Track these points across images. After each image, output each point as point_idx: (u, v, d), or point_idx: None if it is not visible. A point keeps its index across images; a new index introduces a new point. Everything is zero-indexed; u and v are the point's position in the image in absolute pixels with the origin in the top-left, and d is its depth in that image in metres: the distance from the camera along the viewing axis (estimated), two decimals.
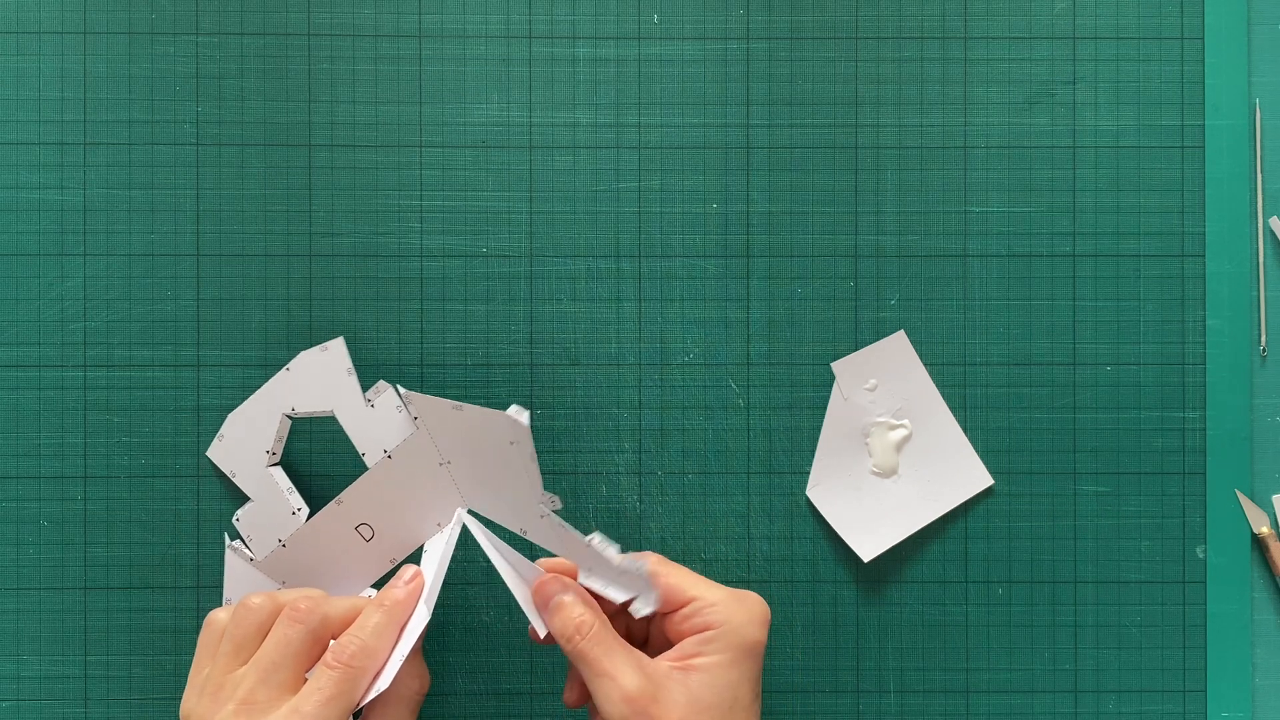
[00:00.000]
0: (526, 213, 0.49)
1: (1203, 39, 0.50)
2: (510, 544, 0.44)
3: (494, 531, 0.44)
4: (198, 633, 0.49)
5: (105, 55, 0.49)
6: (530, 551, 0.50)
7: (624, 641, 0.41)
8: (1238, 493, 0.49)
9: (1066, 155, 0.50)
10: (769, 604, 0.49)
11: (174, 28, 0.49)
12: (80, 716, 0.49)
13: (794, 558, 0.50)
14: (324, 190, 0.49)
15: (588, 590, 0.43)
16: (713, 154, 0.50)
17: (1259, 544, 0.50)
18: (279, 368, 0.47)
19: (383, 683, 0.40)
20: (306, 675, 0.41)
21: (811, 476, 0.49)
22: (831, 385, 0.49)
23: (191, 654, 0.49)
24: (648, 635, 0.45)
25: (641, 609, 0.42)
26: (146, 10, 0.49)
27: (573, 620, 0.41)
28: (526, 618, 0.43)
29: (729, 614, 0.41)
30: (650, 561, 0.43)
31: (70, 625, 0.49)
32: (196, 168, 0.49)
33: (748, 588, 0.49)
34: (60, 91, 0.49)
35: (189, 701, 0.41)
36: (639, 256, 0.50)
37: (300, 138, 0.49)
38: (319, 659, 0.41)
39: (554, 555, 0.44)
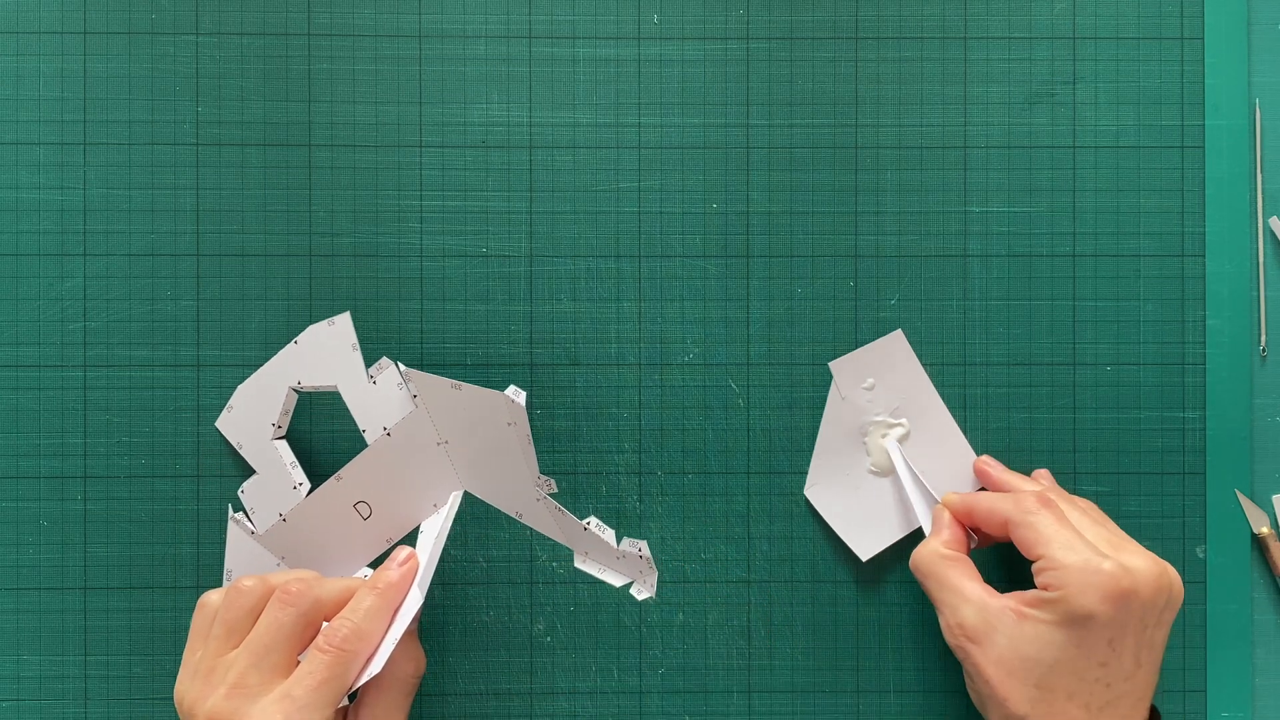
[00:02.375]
0: (526, 213, 0.49)
1: (1203, 39, 0.50)
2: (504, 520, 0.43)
3: (491, 515, 0.44)
4: None
5: (105, 55, 0.49)
6: (558, 572, 0.50)
7: (968, 578, 0.43)
8: (1238, 493, 0.49)
9: (1066, 155, 0.50)
10: (769, 604, 0.50)
11: (174, 28, 0.49)
12: (80, 716, 0.49)
13: (794, 558, 0.50)
14: (324, 190, 0.49)
15: (589, 572, 0.42)
16: (713, 154, 0.50)
17: (1259, 544, 0.50)
18: (233, 393, 0.48)
19: (375, 666, 0.40)
20: (299, 658, 0.41)
21: (809, 476, 0.49)
22: (830, 385, 0.49)
23: None
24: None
25: (641, 592, 0.42)
26: (146, 10, 0.49)
27: (927, 546, 0.45)
28: (526, 616, 0.42)
29: (1068, 580, 0.41)
30: (1036, 489, 0.45)
31: (70, 625, 0.49)
32: (196, 168, 0.49)
33: (748, 588, 0.49)
34: (60, 91, 0.49)
35: (182, 684, 0.41)
36: (639, 256, 0.50)
37: (300, 138, 0.49)
38: (311, 641, 0.41)
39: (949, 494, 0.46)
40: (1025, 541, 0.43)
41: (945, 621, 0.43)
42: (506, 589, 0.49)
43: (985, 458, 0.49)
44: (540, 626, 0.50)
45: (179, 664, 0.49)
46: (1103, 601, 0.41)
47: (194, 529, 0.49)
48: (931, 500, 0.47)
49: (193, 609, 0.49)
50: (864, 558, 0.49)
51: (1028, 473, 0.49)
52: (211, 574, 0.49)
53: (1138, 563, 0.42)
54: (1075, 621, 0.41)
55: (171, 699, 0.49)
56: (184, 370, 0.49)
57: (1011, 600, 0.42)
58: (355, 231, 0.49)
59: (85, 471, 0.49)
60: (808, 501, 0.49)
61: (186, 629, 0.49)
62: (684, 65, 0.50)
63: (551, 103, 0.49)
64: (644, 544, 0.42)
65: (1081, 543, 0.42)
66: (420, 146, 0.49)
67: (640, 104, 0.49)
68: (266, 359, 0.49)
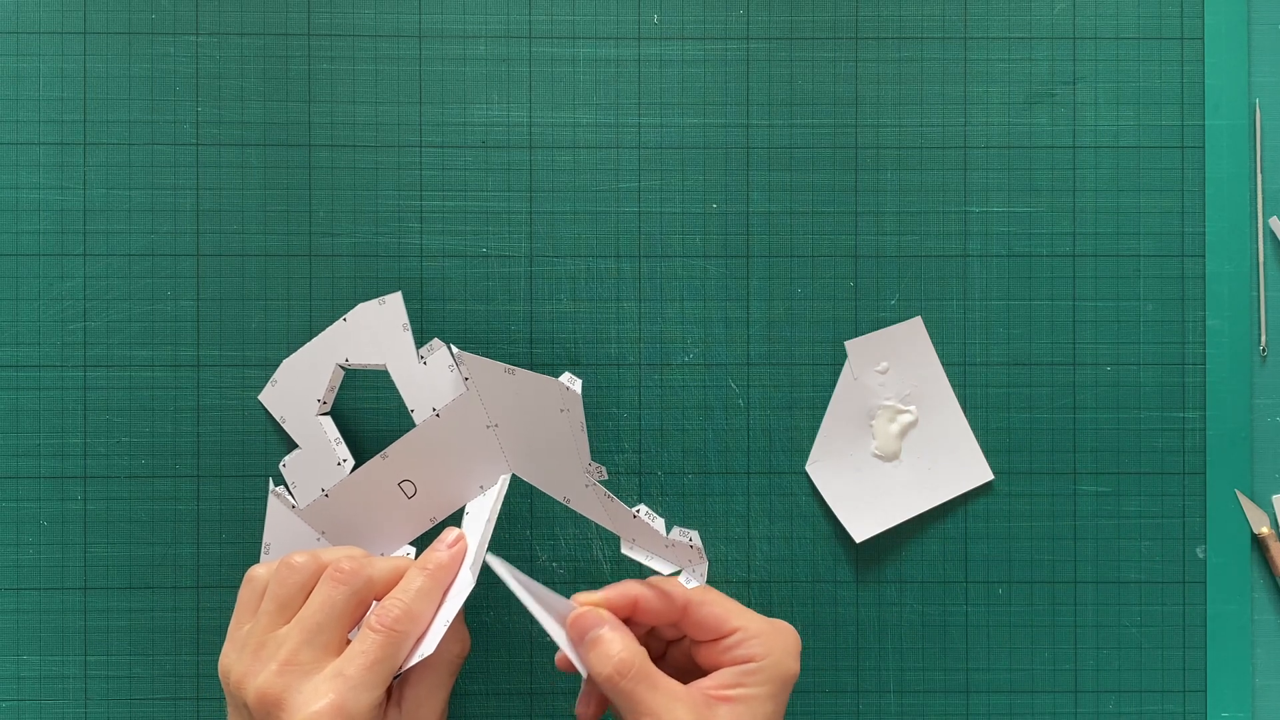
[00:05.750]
0: (526, 213, 0.49)
1: (1203, 39, 0.50)
2: (556, 521, 0.43)
3: (536, 500, 0.43)
4: (198, 633, 0.49)
5: (105, 55, 0.49)
6: (558, 572, 0.50)
7: (663, 674, 0.41)
8: (1238, 493, 0.49)
9: (1066, 155, 0.50)
10: (769, 604, 0.50)
11: (174, 28, 0.49)
12: (80, 716, 0.49)
13: (794, 558, 0.50)
14: (324, 190, 0.49)
15: (636, 559, 0.43)
16: (713, 154, 0.50)
17: (1259, 544, 0.50)
18: (277, 368, 0.48)
19: (427, 648, 0.40)
20: (349, 636, 0.41)
21: (812, 453, 0.49)
22: (831, 386, 0.49)
23: (192, 653, 0.49)
24: (665, 651, 0.45)
25: (690, 580, 0.42)
26: (146, 10, 0.49)
27: (612, 659, 0.40)
28: (526, 617, 0.42)
29: (770, 646, 0.41)
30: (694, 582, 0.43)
31: (70, 625, 0.49)
32: (196, 168, 0.49)
33: (748, 588, 0.50)
34: (60, 91, 0.49)
35: (228, 657, 0.41)
36: (639, 256, 0.50)
37: (300, 138, 0.49)
38: (360, 620, 0.41)
39: (578, 592, 0.43)
40: (713, 619, 0.42)
41: None
42: (506, 589, 0.49)
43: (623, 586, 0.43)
44: (540, 626, 0.49)
45: (179, 664, 0.49)
46: (798, 658, 0.42)
47: (194, 529, 0.49)
48: (563, 605, 0.42)
49: (193, 609, 0.49)
50: (858, 539, 0.49)
51: (1031, 470, 0.49)
52: (212, 574, 0.49)
53: (783, 621, 0.43)
54: (783, 686, 0.41)
55: (171, 700, 0.49)
56: (184, 370, 0.49)
57: (708, 690, 0.41)
58: (355, 231, 0.49)
59: (85, 471, 0.49)
60: (808, 477, 0.49)
61: (187, 629, 0.49)
62: (684, 65, 0.50)
63: (551, 103, 0.49)
64: (695, 534, 0.42)
65: (745, 610, 0.43)
66: (420, 146, 0.49)
67: (640, 104, 0.50)
68: (266, 359, 0.49)
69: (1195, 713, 0.49)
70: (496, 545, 0.49)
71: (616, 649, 0.40)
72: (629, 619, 0.42)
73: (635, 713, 0.40)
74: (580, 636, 0.41)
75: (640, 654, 0.40)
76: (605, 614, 0.41)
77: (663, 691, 0.40)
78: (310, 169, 0.49)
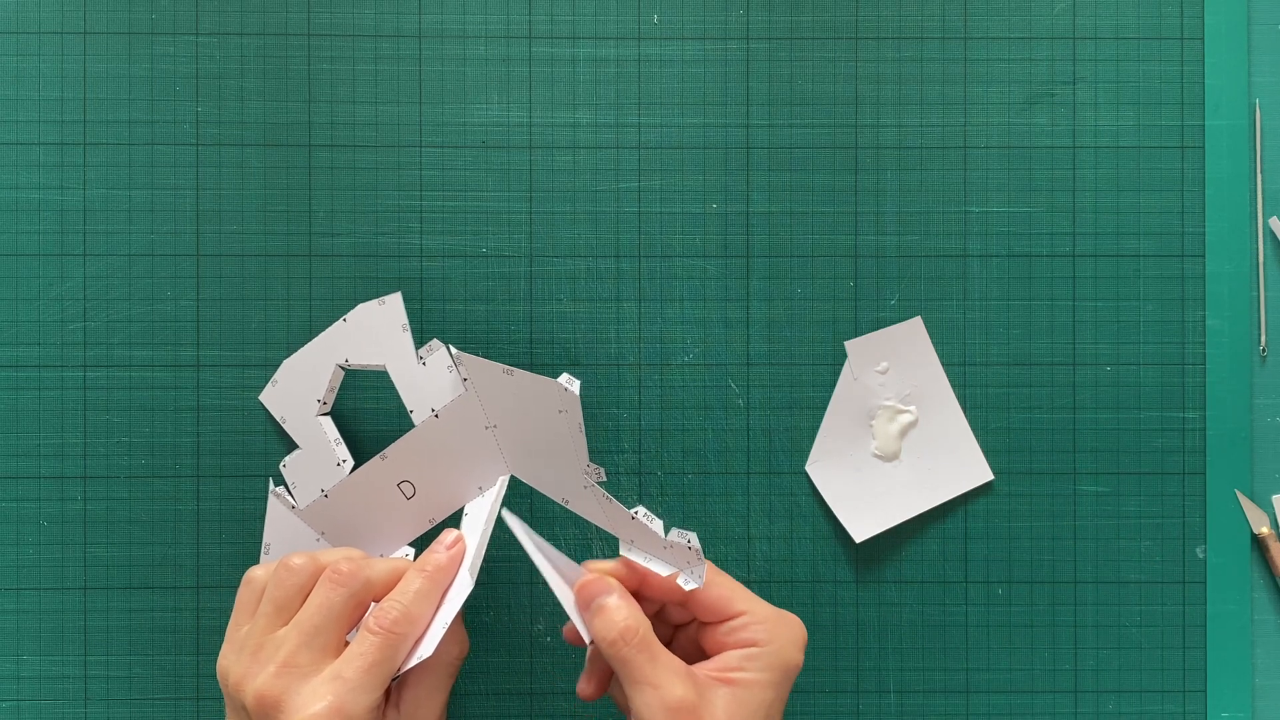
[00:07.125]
0: (526, 213, 0.49)
1: (1203, 39, 0.50)
2: (555, 521, 0.43)
3: (536, 501, 0.44)
4: (198, 633, 0.49)
5: (105, 55, 0.49)
6: (562, 547, 0.50)
7: (665, 649, 0.41)
8: (1238, 493, 0.49)
9: (1066, 155, 0.50)
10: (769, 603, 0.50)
11: (174, 28, 0.49)
12: (80, 716, 0.49)
13: (794, 558, 0.50)
14: (324, 190, 0.49)
15: (631, 562, 0.42)
16: (713, 154, 0.50)
17: (1259, 544, 0.50)
18: (277, 368, 0.48)
19: (425, 650, 0.40)
20: (347, 638, 0.41)
21: (812, 453, 0.49)
22: (831, 386, 0.50)
23: (192, 654, 0.49)
24: (673, 636, 0.45)
25: (688, 583, 0.42)
26: (146, 10, 0.49)
27: (617, 625, 0.40)
28: (526, 616, 0.42)
29: (775, 633, 0.41)
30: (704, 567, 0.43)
31: (70, 625, 0.49)
32: (196, 168, 0.49)
33: (748, 588, 0.49)
34: (60, 91, 0.49)
35: (227, 658, 0.41)
36: (639, 256, 0.50)
37: (300, 138, 0.49)
38: (359, 621, 0.41)
39: (590, 559, 0.43)
40: (719, 600, 0.42)
41: (655, 701, 0.39)
42: (506, 589, 0.50)
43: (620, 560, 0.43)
44: (540, 626, 0.50)
45: (179, 664, 0.49)
46: (803, 649, 0.42)
47: (194, 529, 0.49)
48: (573, 570, 0.43)
49: (193, 609, 0.49)
50: (858, 539, 0.49)
51: (1031, 470, 0.49)
52: (212, 574, 0.49)
53: (790, 612, 0.43)
54: (785, 675, 0.41)
55: (171, 700, 0.49)
56: (184, 370, 0.49)
57: (709, 671, 0.41)
58: (355, 231, 0.49)
59: (85, 471, 0.49)
60: (808, 477, 0.49)
61: (187, 629, 0.49)
62: (684, 65, 0.50)
63: (551, 103, 0.49)
64: (694, 535, 0.42)
65: (753, 596, 0.42)
66: (420, 146, 0.49)
67: (640, 104, 0.50)
68: (266, 359, 0.49)
69: (1195, 713, 0.49)
70: (496, 545, 0.49)
71: (622, 615, 0.40)
72: (637, 594, 0.42)
73: (634, 680, 0.40)
74: (587, 602, 0.41)
75: (645, 623, 0.41)
76: (614, 583, 0.42)
77: (662, 665, 0.40)
78: (310, 169, 0.49)
